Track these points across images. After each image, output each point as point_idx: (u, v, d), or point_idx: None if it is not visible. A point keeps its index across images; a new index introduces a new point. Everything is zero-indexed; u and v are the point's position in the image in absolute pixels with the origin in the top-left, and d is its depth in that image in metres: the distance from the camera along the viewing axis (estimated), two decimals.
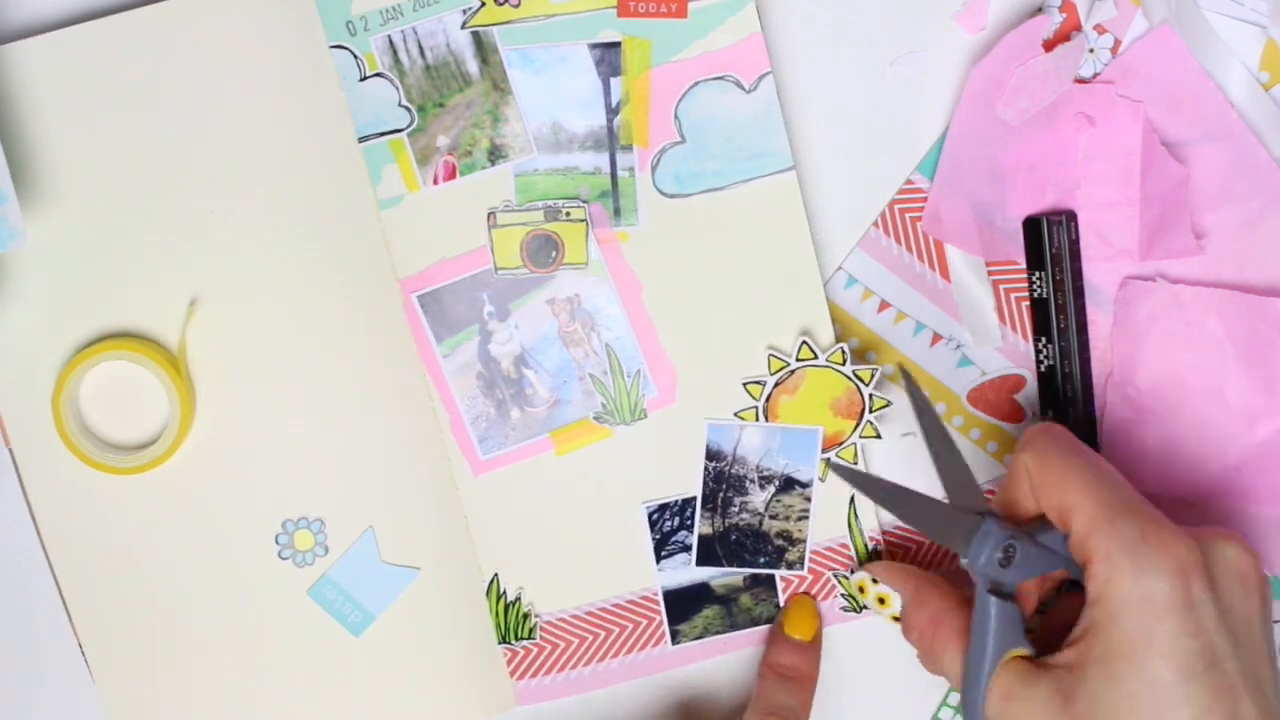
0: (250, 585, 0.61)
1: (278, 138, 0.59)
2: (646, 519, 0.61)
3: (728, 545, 0.61)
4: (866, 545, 0.62)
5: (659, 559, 0.61)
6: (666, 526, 0.61)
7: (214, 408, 0.60)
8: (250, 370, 0.60)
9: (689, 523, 0.61)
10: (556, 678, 0.62)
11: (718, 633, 0.62)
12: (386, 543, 0.61)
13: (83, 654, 0.61)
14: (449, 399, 0.60)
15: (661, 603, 0.62)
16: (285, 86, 0.59)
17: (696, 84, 0.58)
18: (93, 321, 0.60)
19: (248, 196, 0.59)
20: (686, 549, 0.61)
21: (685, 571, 0.61)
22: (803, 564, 0.62)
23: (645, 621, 0.62)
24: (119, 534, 0.61)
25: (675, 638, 0.62)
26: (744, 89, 0.58)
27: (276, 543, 0.61)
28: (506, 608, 0.62)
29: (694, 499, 0.61)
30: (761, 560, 0.62)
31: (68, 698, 0.62)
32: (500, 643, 0.62)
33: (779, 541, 0.62)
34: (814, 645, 0.61)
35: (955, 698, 0.64)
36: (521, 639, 0.62)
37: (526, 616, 0.62)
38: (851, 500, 0.62)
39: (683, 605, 0.62)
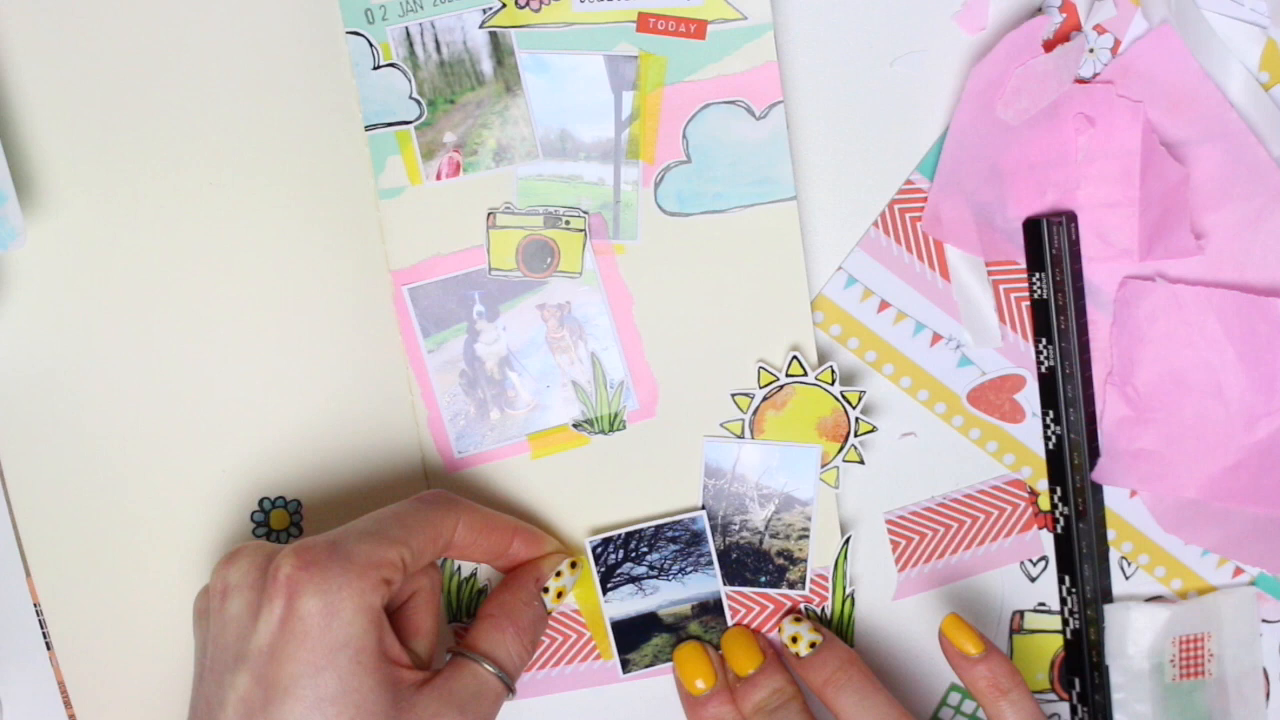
0: None
1: (284, 118, 0.62)
2: (591, 552, 0.65)
3: (728, 564, 0.65)
4: (846, 588, 0.66)
5: (605, 591, 0.65)
6: (611, 560, 0.64)
7: (201, 380, 0.63)
8: (237, 346, 0.63)
9: (634, 555, 0.64)
10: None
11: (668, 660, 0.65)
12: None
13: (42, 626, 0.64)
14: (430, 394, 0.64)
15: (610, 633, 0.65)
16: (297, 67, 0.62)
17: (707, 106, 0.62)
18: (93, 320, 0.63)
19: (249, 175, 0.62)
20: (633, 580, 0.65)
21: (633, 601, 0.65)
22: (804, 584, 0.66)
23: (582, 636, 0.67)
24: (92, 502, 0.64)
25: (626, 666, 0.66)
26: (754, 115, 0.62)
27: (252, 520, 0.64)
28: (460, 585, 0.66)
29: (636, 532, 0.64)
30: (762, 580, 0.65)
31: (27, 669, 0.65)
32: (451, 620, 0.66)
33: (780, 561, 0.65)
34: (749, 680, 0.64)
35: (955, 697, 0.68)
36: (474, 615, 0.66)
37: (482, 591, 0.66)
38: (846, 541, 0.66)
39: (632, 635, 0.65)
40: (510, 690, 0.60)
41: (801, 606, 0.66)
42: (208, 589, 0.57)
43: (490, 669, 0.59)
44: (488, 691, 0.58)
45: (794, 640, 0.64)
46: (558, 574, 0.63)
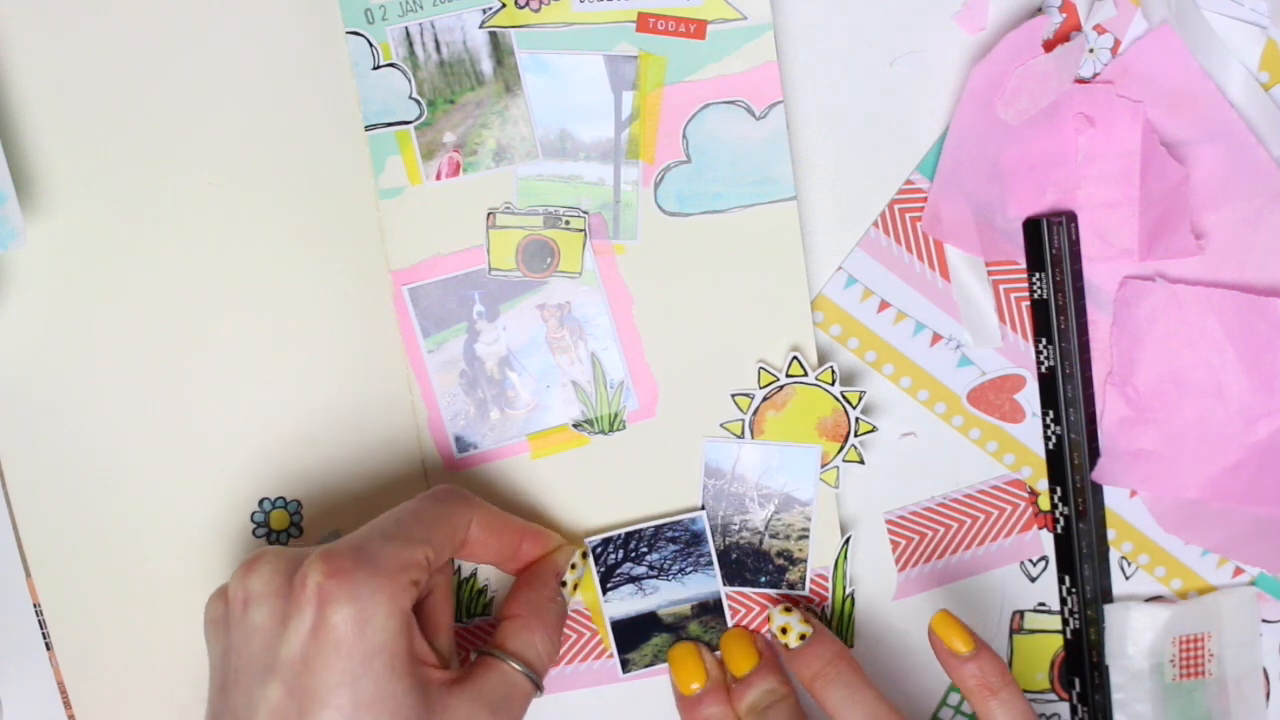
0: (224, 562, 0.64)
1: (284, 118, 0.62)
2: (591, 552, 0.65)
3: (728, 564, 0.66)
4: (846, 588, 0.67)
5: (605, 591, 0.65)
6: (611, 560, 0.65)
7: (201, 380, 0.63)
8: (237, 347, 0.63)
9: (634, 555, 0.65)
10: None
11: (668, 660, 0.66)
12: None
13: (42, 627, 0.65)
14: (430, 394, 0.64)
15: (610, 633, 0.66)
16: (297, 67, 0.62)
17: (707, 105, 0.62)
18: (93, 320, 0.63)
19: (249, 175, 0.62)
20: (632, 580, 0.65)
21: (633, 601, 0.65)
22: (804, 584, 0.66)
23: (591, 634, 0.67)
24: (92, 502, 0.64)
25: (625, 666, 0.66)
26: (754, 115, 0.62)
27: (252, 520, 0.64)
28: (460, 585, 0.66)
29: (636, 532, 0.65)
30: (762, 580, 0.66)
31: (27, 669, 0.65)
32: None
33: (780, 561, 0.66)
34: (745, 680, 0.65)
35: (955, 698, 0.69)
36: (475, 615, 0.66)
37: (482, 592, 0.66)
38: (846, 541, 0.66)
39: (631, 634, 0.66)
40: (539, 689, 0.60)
41: (801, 606, 0.66)
42: (222, 595, 0.57)
43: (519, 668, 0.59)
44: (517, 692, 0.59)
45: (784, 631, 0.64)
46: (572, 566, 0.64)
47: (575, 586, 0.64)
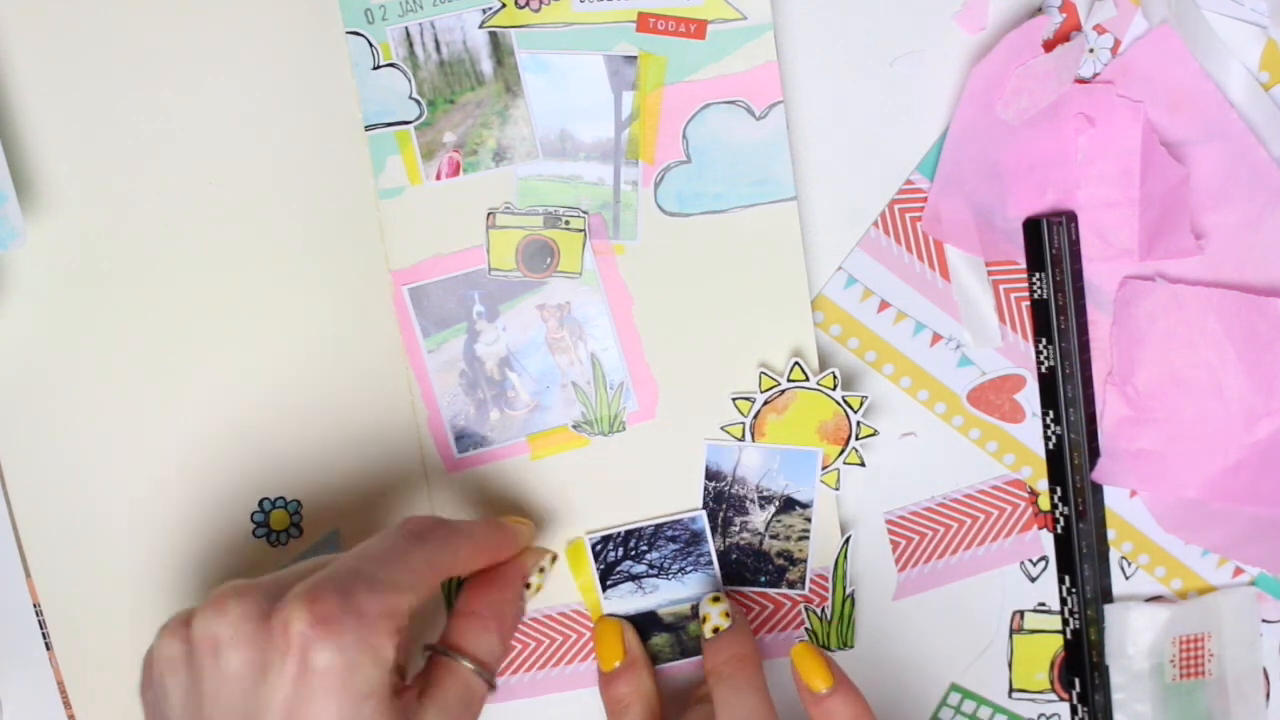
0: (223, 562, 0.64)
1: (284, 118, 0.63)
2: (591, 550, 0.65)
3: (728, 564, 0.66)
4: (846, 588, 0.67)
5: (604, 589, 0.66)
6: (610, 557, 0.65)
7: (201, 380, 0.64)
8: (237, 346, 0.64)
9: (633, 553, 0.65)
10: (510, 680, 0.67)
11: (668, 660, 0.66)
12: (356, 532, 0.64)
13: (42, 627, 0.65)
14: (430, 394, 0.64)
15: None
16: (297, 67, 0.62)
17: (707, 106, 0.63)
18: (93, 320, 0.63)
19: (249, 175, 0.63)
20: (632, 578, 0.65)
21: (632, 600, 0.66)
22: (804, 584, 0.66)
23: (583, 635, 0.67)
24: (92, 503, 0.64)
25: None
26: (754, 115, 0.62)
27: (252, 520, 0.64)
28: (458, 586, 0.65)
29: (635, 530, 0.65)
30: (762, 579, 0.66)
31: (27, 669, 0.66)
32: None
33: (779, 561, 0.66)
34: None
35: (955, 698, 0.69)
36: None
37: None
38: (846, 541, 0.66)
39: None
40: (492, 688, 0.60)
41: (801, 607, 0.66)
42: (178, 632, 0.54)
43: (475, 670, 0.59)
44: (476, 696, 0.59)
45: (704, 620, 0.64)
46: (540, 570, 0.64)
47: (537, 589, 0.64)
